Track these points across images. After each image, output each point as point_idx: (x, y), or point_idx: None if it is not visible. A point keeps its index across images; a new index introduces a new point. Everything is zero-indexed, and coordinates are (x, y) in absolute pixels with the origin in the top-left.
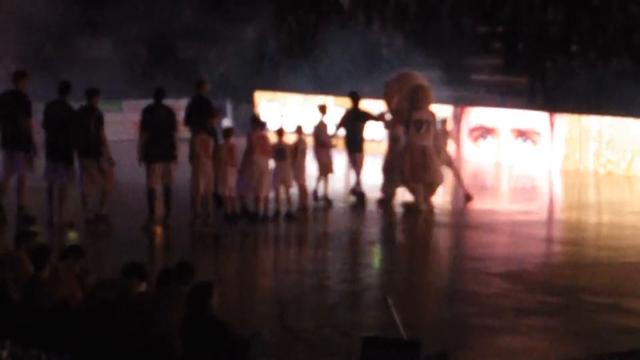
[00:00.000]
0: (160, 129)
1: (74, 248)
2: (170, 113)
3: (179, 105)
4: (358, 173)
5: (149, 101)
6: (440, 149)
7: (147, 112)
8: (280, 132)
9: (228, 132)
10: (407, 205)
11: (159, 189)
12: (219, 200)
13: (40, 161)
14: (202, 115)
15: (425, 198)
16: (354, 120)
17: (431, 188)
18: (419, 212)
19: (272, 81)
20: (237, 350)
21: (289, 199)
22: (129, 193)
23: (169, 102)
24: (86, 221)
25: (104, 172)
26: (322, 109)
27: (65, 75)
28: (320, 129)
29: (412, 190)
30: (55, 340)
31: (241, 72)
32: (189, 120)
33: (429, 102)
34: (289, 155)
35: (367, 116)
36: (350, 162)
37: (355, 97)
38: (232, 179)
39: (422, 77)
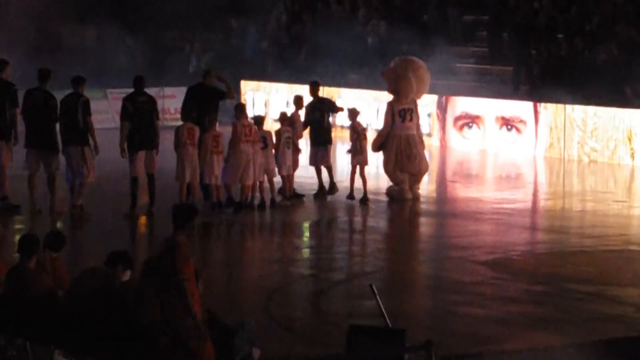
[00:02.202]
0: (142, 117)
1: (56, 237)
2: (151, 101)
3: (164, 94)
4: (329, 168)
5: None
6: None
7: (128, 101)
8: (260, 121)
9: (212, 121)
10: (392, 194)
11: (142, 177)
12: (205, 189)
13: (18, 149)
14: (208, 104)
15: (411, 187)
16: (317, 111)
17: (417, 177)
18: (404, 201)
19: (257, 70)
20: (223, 338)
21: (272, 188)
22: (113, 182)
23: (154, 90)
24: (71, 211)
25: (86, 161)
26: (299, 100)
27: (50, 64)
28: (294, 121)
29: (397, 180)
30: (41, 330)
31: (227, 61)
32: (187, 110)
33: (411, 91)
34: (270, 144)
35: (331, 106)
36: (316, 156)
37: (314, 87)
38: (218, 167)
39: (423, 64)
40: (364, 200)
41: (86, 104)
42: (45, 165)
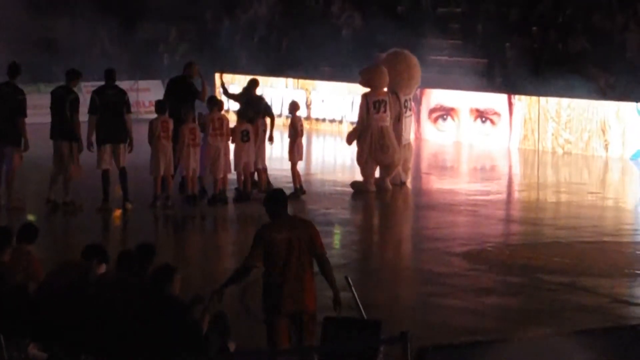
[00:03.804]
0: (110, 111)
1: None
2: (121, 94)
3: (139, 87)
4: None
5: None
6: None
7: (96, 94)
8: (243, 114)
9: (188, 113)
10: (355, 186)
11: (113, 170)
12: (182, 181)
13: None
14: (185, 98)
15: (383, 179)
16: (251, 110)
17: (389, 169)
18: (367, 192)
19: (231, 63)
20: (190, 331)
21: (247, 181)
22: (88, 175)
23: (128, 83)
24: (47, 202)
25: (73, 156)
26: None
27: (22, 56)
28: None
29: (368, 172)
30: (15, 323)
31: (201, 53)
32: (161, 103)
33: (384, 83)
34: (253, 138)
35: (266, 110)
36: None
37: (253, 84)
38: (194, 160)
39: (412, 56)
40: (297, 194)
41: (74, 101)
42: (7, 159)
